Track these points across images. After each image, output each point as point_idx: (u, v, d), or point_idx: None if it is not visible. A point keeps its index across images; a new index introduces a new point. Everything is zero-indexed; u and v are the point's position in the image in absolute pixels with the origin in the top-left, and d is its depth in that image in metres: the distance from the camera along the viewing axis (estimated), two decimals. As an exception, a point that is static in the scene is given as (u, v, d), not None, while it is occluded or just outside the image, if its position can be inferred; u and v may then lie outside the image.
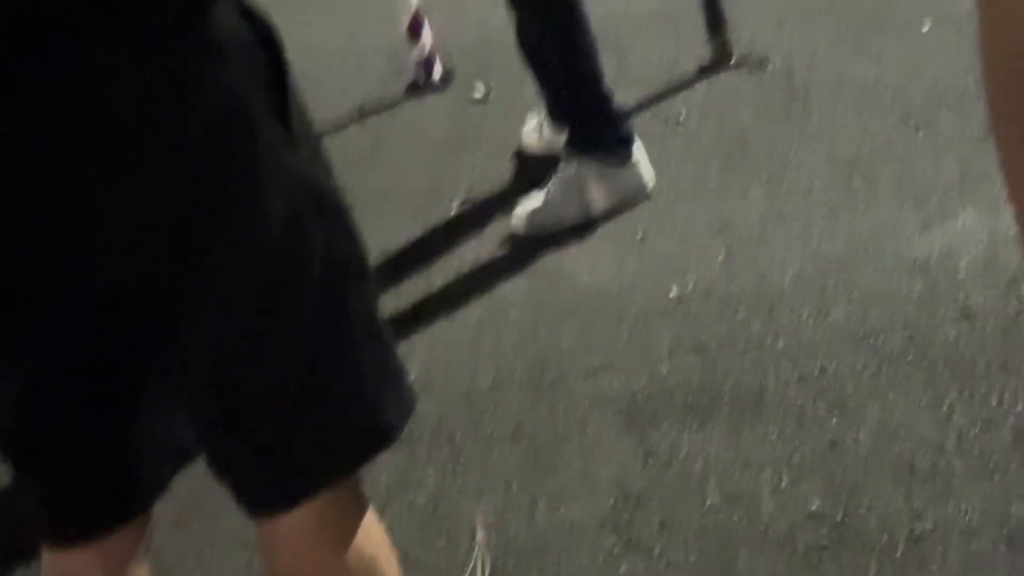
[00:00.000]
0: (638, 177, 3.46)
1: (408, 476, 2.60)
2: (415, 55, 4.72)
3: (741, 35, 4.36)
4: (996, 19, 0.70)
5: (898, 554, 2.16)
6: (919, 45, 4.00)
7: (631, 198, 3.45)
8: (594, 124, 3.43)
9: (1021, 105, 0.72)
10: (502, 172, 3.89)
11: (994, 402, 2.44)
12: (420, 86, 4.71)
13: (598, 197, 3.44)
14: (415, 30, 4.70)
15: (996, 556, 2.12)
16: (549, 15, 3.38)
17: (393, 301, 3.29)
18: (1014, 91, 0.71)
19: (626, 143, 3.45)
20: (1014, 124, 0.73)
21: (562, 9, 3.37)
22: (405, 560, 1.64)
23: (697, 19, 4.27)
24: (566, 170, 3.47)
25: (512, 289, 3.22)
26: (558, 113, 3.51)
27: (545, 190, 3.46)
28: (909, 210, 3.10)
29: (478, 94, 4.53)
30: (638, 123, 3.89)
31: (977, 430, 2.38)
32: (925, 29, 4.08)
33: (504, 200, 3.68)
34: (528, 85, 3.85)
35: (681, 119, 3.93)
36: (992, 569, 2.10)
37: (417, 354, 3.03)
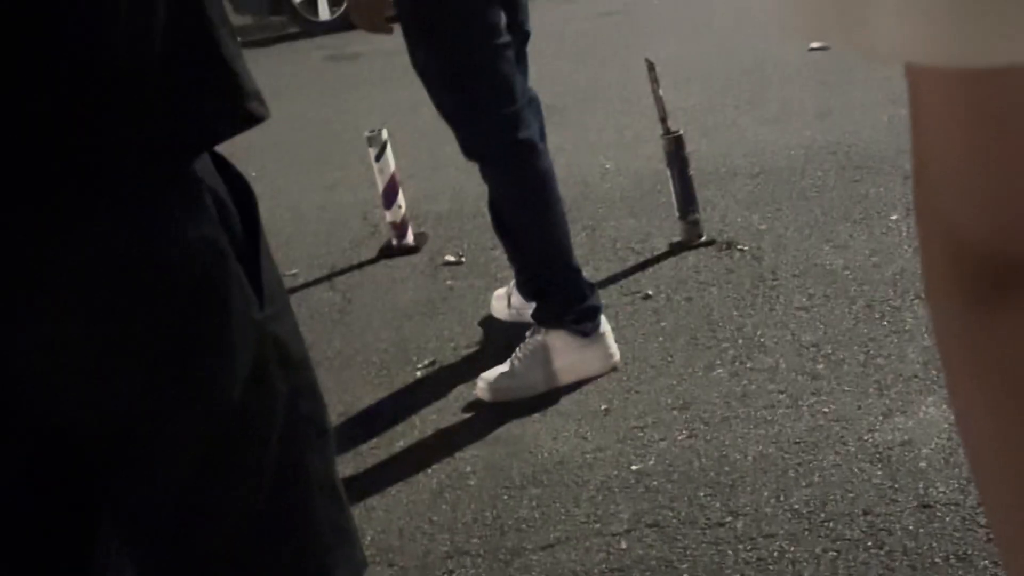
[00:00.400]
0: (604, 349, 3.48)
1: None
2: (389, 218, 4.77)
3: (712, 216, 4.44)
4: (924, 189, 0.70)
5: None
6: (886, 235, 4.06)
7: (597, 370, 3.46)
8: (561, 296, 3.45)
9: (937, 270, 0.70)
10: (469, 337, 3.91)
11: (952, 596, 2.42)
12: (393, 249, 4.75)
13: (563, 367, 3.45)
14: (390, 195, 4.76)
15: None
16: (522, 187, 3.42)
17: (353, 462, 3.27)
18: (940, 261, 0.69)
19: (593, 315, 3.47)
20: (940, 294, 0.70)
21: (534, 182, 3.42)
22: None
23: (670, 199, 4.34)
24: (533, 339, 3.48)
25: (473, 456, 3.20)
26: (526, 283, 3.54)
27: (511, 358, 3.47)
28: (872, 397, 3.11)
29: (451, 258, 4.56)
30: (606, 297, 3.93)
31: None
32: (893, 218, 4.16)
33: (470, 366, 3.69)
34: (499, 253, 3.89)
35: (649, 294, 3.96)
36: None
37: (374, 517, 3.00)
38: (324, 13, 11.81)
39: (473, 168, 3.50)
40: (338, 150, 6.27)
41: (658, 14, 8.72)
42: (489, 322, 3.98)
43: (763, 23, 7.79)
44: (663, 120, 4.25)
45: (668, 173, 4.28)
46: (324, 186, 5.88)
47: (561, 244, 3.46)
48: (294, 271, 4.77)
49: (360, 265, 4.74)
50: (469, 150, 3.38)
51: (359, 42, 8.50)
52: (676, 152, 4.24)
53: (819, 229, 4.22)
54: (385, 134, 4.73)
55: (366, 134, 4.77)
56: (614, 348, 3.50)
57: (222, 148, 1.28)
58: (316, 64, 9.81)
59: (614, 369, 3.47)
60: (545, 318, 3.46)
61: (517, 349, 3.47)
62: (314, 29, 11.76)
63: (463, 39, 3.24)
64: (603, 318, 3.51)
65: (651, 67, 4.24)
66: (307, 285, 4.64)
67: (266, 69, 10.43)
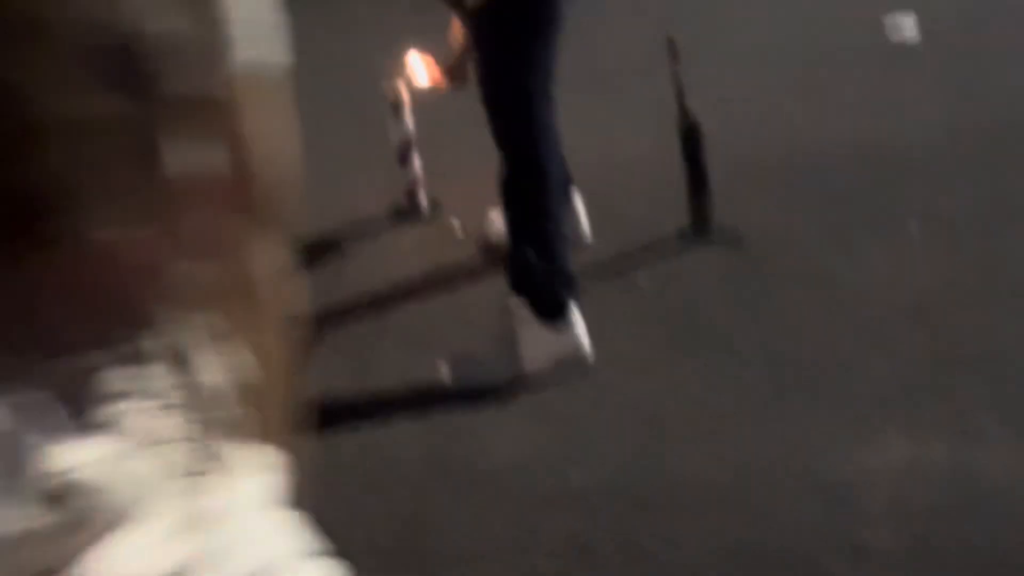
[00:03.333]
0: (575, 340, 3.34)
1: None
2: (403, 181, 4.67)
3: (731, 208, 4.26)
4: None
5: None
6: (899, 247, 3.87)
7: (566, 361, 3.32)
8: (539, 277, 3.32)
9: None
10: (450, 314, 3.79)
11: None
12: (401, 215, 4.65)
13: (533, 356, 3.32)
14: (404, 157, 4.64)
15: None
16: (529, 169, 3.34)
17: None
18: None
19: (564, 305, 3.33)
20: None
21: (540, 172, 3.34)
22: None
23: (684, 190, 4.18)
24: (502, 324, 3.36)
25: (420, 447, 3.10)
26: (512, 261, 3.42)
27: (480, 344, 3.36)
28: (834, 423, 2.96)
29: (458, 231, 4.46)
30: (600, 284, 3.80)
31: None
32: (914, 231, 3.96)
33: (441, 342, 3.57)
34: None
35: (641, 287, 3.81)
36: None
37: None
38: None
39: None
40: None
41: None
42: (474, 301, 3.86)
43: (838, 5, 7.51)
44: (681, 105, 4.08)
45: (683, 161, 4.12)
46: (338, 143, 5.76)
47: (552, 231, 3.39)
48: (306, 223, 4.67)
49: (367, 232, 4.64)
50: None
51: None
52: (692, 140, 4.07)
53: (835, 234, 4.03)
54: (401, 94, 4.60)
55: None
56: (586, 342, 3.35)
57: None
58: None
59: (587, 362, 3.32)
60: (518, 290, 3.34)
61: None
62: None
63: None
64: (575, 311, 3.36)
65: (671, 45, 4.06)
66: (315, 244, 4.55)
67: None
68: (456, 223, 4.48)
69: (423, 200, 4.65)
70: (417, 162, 4.64)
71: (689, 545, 2.62)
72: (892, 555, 2.49)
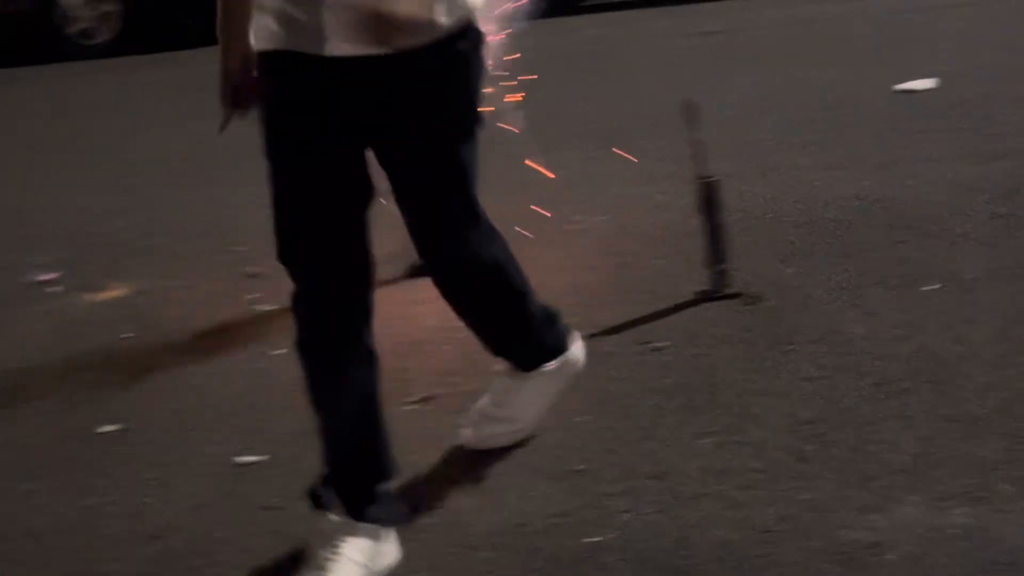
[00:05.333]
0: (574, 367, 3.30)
1: None
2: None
3: (746, 264, 4.29)
4: None
5: None
6: (916, 306, 3.87)
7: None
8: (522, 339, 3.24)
9: None
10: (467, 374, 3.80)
11: None
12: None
13: (521, 414, 3.30)
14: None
15: None
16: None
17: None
18: None
19: (553, 353, 3.26)
20: None
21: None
22: None
23: (701, 247, 4.20)
24: (498, 384, 3.34)
25: (437, 505, 3.10)
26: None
27: (490, 403, 3.34)
28: (853, 488, 2.94)
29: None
30: (617, 343, 3.82)
31: None
32: (926, 289, 3.97)
33: (460, 404, 3.57)
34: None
35: (659, 347, 3.82)
36: None
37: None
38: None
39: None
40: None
41: (758, 37, 8.52)
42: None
43: (854, 58, 7.57)
44: (698, 164, 4.10)
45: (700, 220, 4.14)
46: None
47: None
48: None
49: (394, 281, 4.64)
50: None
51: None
52: (709, 199, 4.09)
53: (850, 291, 4.05)
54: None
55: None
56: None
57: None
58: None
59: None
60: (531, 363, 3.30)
61: (493, 394, 3.33)
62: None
63: None
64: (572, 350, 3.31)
65: (688, 108, 4.09)
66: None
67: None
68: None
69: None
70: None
71: (707, 607, 2.61)
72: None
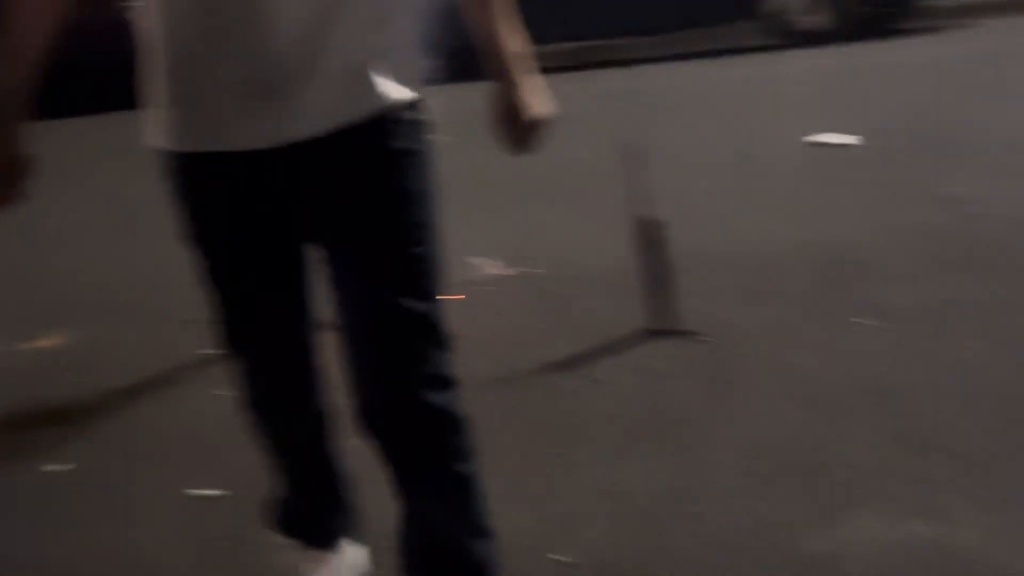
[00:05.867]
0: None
1: None
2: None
3: (685, 304, 4.37)
4: None
5: None
6: (853, 339, 3.98)
7: None
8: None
9: None
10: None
11: None
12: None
13: None
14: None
15: None
16: None
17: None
18: None
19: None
20: None
21: None
22: None
23: (642, 285, 4.28)
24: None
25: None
26: None
27: None
28: (809, 503, 3.02)
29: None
30: (559, 377, 3.87)
31: None
32: (863, 323, 4.08)
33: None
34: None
35: (602, 379, 3.88)
36: None
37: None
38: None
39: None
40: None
41: (664, 97, 8.70)
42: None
43: (765, 113, 7.77)
44: (639, 205, 4.20)
45: (641, 257, 4.23)
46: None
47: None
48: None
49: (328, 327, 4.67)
50: None
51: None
52: (650, 238, 4.18)
53: (788, 327, 4.15)
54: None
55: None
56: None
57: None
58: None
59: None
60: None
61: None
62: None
63: None
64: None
65: (630, 149, 4.19)
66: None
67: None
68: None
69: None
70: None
71: (676, 617, 2.66)
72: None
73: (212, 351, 4.41)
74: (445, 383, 2.23)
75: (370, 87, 2.12)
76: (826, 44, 10.51)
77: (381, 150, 2.16)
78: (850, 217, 5.20)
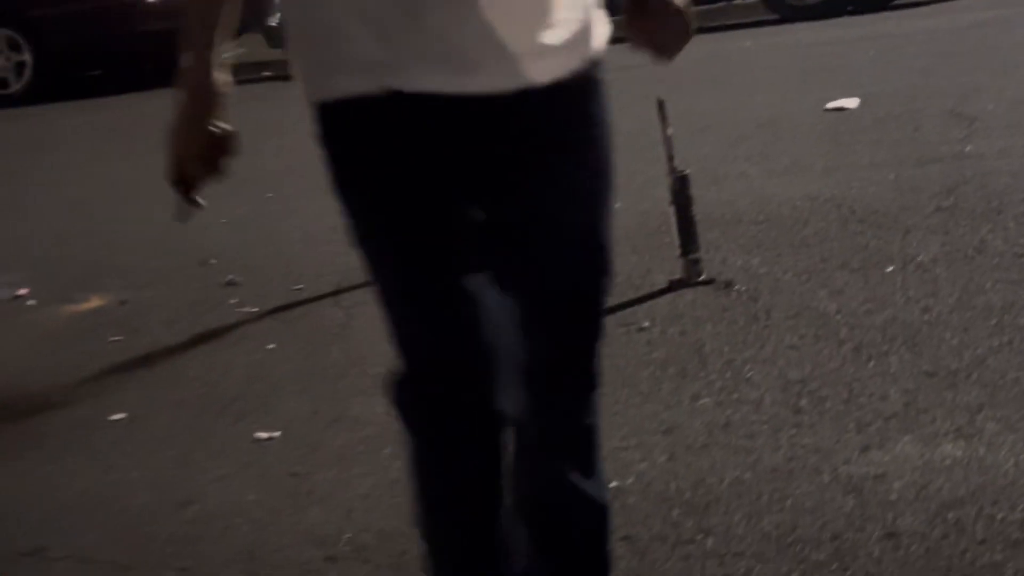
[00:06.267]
0: None
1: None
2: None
3: (713, 257, 4.51)
4: None
5: None
6: (881, 284, 4.12)
7: None
8: None
9: None
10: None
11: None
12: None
13: None
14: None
15: None
16: None
17: (338, 465, 3.32)
18: None
19: None
20: None
21: None
22: None
23: (673, 239, 4.41)
24: None
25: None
26: None
27: None
28: (851, 432, 3.16)
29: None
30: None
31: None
32: (889, 270, 4.22)
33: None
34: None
35: (644, 326, 4.02)
36: None
37: (354, 517, 3.05)
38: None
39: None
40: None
41: (677, 70, 8.83)
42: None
43: (781, 81, 7.91)
44: (670, 159, 4.33)
45: (671, 211, 4.36)
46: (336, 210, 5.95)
47: None
48: (300, 286, 4.85)
49: (364, 285, 4.79)
50: None
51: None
52: (680, 191, 4.32)
53: (816, 275, 4.28)
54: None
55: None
56: None
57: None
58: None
59: None
60: None
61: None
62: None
63: None
64: None
65: (660, 106, 4.32)
66: (311, 300, 4.72)
67: (287, 102, 10.64)
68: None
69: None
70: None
71: (725, 533, 2.78)
72: (924, 538, 2.68)
73: (256, 310, 4.58)
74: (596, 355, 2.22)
75: (590, 33, 1.99)
76: (821, 18, 10.65)
77: (590, 118, 2.01)
78: (871, 175, 5.34)
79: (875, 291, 4.07)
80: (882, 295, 4.03)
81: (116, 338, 4.57)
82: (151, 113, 10.04)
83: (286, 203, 6.27)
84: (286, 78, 11.91)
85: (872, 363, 3.55)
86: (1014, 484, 2.81)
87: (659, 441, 3.26)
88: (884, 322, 3.82)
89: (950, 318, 3.79)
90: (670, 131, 4.33)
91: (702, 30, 9.58)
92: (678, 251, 4.36)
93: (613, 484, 3.03)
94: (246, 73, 13.35)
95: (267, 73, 13.22)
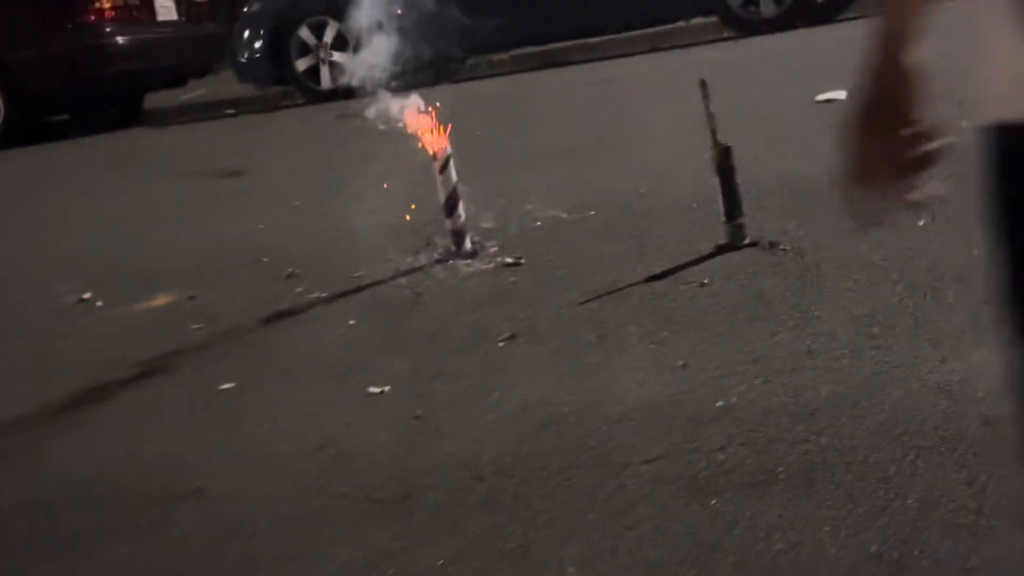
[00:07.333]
0: None
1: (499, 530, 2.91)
2: (449, 226, 5.15)
3: (750, 225, 4.83)
4: None
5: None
6: (918, 236, 4.47)
7: None
8: None
9: None
10: (540, 317, 4.29)
11: (1020, 491, 2.78)
12: (452, 254, 5.12)
13: None
14: (452, 204, 5.14)
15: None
16: None
17: (462, 406, 3.62)
18: None
19: None
20: None
21: None
22: None
23: (706, 213, 4.76)
24: None
25: (569, 400, 3.56)
26: None
27: None
28: (927, 349, 3.49)
29: (510, 260, 4.95)
30: (663, 286, 4.33)
31: (1006, 502, 2.71)
32: (921, 224, 4.57)
33: (552, 338, 4.05)
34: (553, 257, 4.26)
35: (705, 282, 4.35)
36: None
37: (486, 444, 3.35)
38: (326, 82, 12.34)
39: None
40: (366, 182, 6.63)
41: (654, 80, 9.24)
42: (558, 309, 4.36)
43: (760, 79, 8.30)
44: (713, 132, 4.67)
45: (717, 181, 4.70)
46: (364, 210, 6.22)
47: None
48: (359, 273, 5.14)
49: (422, 268, 5.10)
50: None
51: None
52: (724, 161, 4.66)
53: (853, 233, 4.62)
54: (449, 150, 5.12)
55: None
56: None
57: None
58: (328, 121, 10.22)
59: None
60: None
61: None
62: (317, 97, 12.30)
63: None
64: None
65: (703, 85, 4.67)
66: (375, 284, 5.01)
67: (283, 127, 10.92)
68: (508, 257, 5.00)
69: (469, 243, 5.16)
70: (462, 209, 5.16)
71: (839, 432, 3.09)
72: (1019, 419, 3.01)
73: (323, 294, 4.82)
74: None
75: None
76: (780, 31, 11.09)
77: None
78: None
79: (913, 241, 4.41)
80: (921, 243, 4.37)
81: (197, 326, 4.83)
82: (144, 145, 10.35)
83: (314, 210, 6.55)
84: (256, 111, 12.30)
85: (928, 297, 3.90)
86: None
87: (749, 369, 3.58)
88: (929, 264, 4.17)
89: (992, 257, 4.14)
90: (713, 108, 4.67)
91: (661, 48, 10.02)
92: (723, 219, 4.70)
93: (719, 404, 3.38)
94: (215, 110, 13.69)
95: (230, 111, 13.54)
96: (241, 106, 13.62)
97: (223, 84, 14.34)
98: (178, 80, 14.41)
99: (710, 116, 4.68)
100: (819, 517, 2.75)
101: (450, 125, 5.24)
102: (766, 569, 2.60)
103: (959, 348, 3.47)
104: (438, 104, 5.28)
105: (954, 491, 2.77)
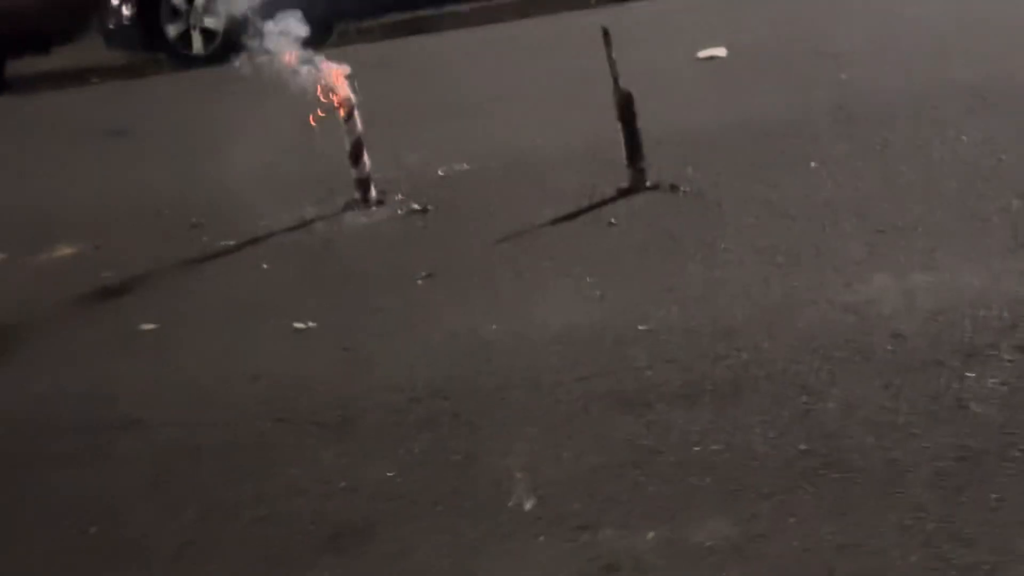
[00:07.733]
0: None
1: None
2: (355, 175, 5.23)
3: (649, 170, 5.01)
4: None
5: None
6: (809, 177, 4.69)
7: None
8: None
9: None
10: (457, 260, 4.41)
11: (933, 391, 2.98)
12: (358, 203, 5.21)
13: None
14: (357, 153, 5.22)
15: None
16: None
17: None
18: None
19: None
20: None
21: None
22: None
23: (603, 160, 4.93)
24: None
25: (493, 329, 3.69)
26: None
27: None
28: (831, 274, 3.70)
29: (417, 206, 5.06)
30: (572, 227, 4.49)
31: (921, 409, 2.90)
32: (813, 165, 4.79)
33: (467, 279, 4.18)
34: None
35: (613, 222, 4.52)
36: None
37: (420, 363, 3.47)
38: (198, 48, 12.24)
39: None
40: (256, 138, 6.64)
41: (530, 42, 9.38)
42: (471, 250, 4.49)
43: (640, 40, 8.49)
44: (615, 79, 4.83)
45: (610, 131, 4.86)
46: (259, 164, 6.23)
47: None
48: (264, 222, 5.19)
49: (329, 217, 5.18)
50: None
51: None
52: (627, 107, 4.82)
53: (749, 176, 4.82)
54: (354, 99, 5.20)
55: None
56: None
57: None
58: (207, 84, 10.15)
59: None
60: None
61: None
62: (189, 63, 12.20)
63: None
64: None
65: (605, 33, 4.82)
66: (284, 231, 5.07)
67: (160, 91, 10.81)
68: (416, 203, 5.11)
69: (374, 192, 5.24)
70: (367, 158, 5.24)
71: (759, 349, 3.27)
72: (923, 333, 3.21)
73: (230, 243, 4.92)
74: None
75: None
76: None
77: None
78: (762, 101, 5.91)
79: (807, 181, 4.64)
80: (815, 183, 4.60)
81: (108, 274, 4.85)
82: (19, 110, 10.16)
83: (207, 164, 6.56)
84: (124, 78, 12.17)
85: (827, 229, 4.11)
86: (985, 293, 3.39)
87: (665, 296, 3.75)
88: (824, 200, 4.39)
89: (882, 192, 4.38)
90: (614, 55, 4.83)
91: (531, 15, 10.05)
92: (625, 162, 4.86)
93: (641, 327, 3.54)
94: (81, 78, 13.48)
95: (95, 80, 13.34)
96: (108, 75, 13.42)
97: (87, 52, 14.12)
98: (43, 46, 14.15)
99: (612, 63, 4.83)
100: (748, 422, 2.93)
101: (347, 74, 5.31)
102: (705, 466, 2.77)
103: (860, 273, 3.68)
104: (324, 61, 5.35)
105: (872, 395, 2.97)
